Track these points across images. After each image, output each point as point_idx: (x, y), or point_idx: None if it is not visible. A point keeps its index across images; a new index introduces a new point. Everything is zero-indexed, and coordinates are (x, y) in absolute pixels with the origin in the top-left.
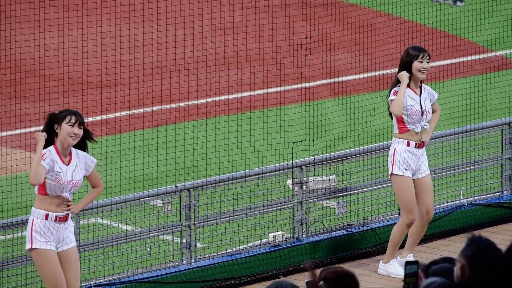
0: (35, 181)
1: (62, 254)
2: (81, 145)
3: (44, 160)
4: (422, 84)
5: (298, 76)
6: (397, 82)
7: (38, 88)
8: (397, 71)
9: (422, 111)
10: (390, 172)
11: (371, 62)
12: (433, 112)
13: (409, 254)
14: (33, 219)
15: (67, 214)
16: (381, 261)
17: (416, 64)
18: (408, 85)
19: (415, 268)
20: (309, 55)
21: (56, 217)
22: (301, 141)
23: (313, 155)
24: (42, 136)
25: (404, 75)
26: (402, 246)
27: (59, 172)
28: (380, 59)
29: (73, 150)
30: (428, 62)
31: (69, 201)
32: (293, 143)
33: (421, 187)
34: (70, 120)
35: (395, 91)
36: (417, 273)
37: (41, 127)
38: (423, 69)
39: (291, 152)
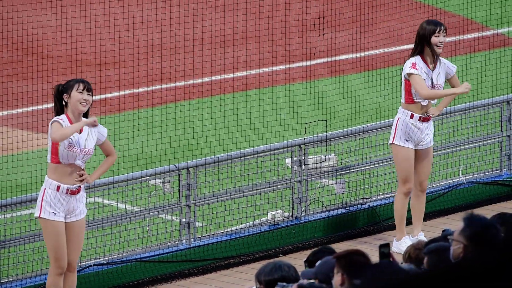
0: (59, 139)
1: (69, 225)
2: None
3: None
4: (440, 58)
5: (296, 55)
6: (414, 51)
7: (37, 67)
8: (414, 45)
9: (432, 86)
10: (391, 141)
11: (371, 41)
12: (453, 87)
13: (419, 233)
14: (44, 189)
15: (79, 186)
16: (394, 239)
17: (433, 39)
18: (423, 59)
19: (388, 250)
20: (322, 35)
21: (67, 189)
22: (314, 121)
23: (316, 134)
24: (92, 122)
25: (466, 89)
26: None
27: (72, 140)
28: (380, 37)
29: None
30: (444, 36)
31: (82, 170)
32: (306, 123)
33: (420, 158)
34: (78, 87)
35: (413, 63)
36: (390, 254)
37: (40, 107)
38: (439, 43)
39: (297, 132)
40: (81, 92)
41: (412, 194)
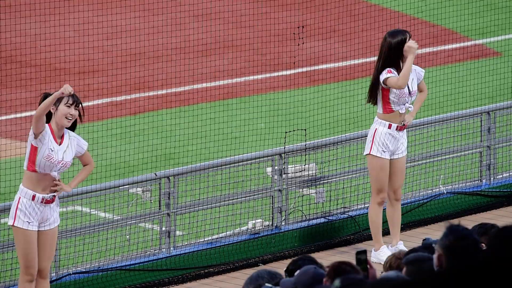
0: (38, 112)
1: (42, 234)
2: (71, 125)
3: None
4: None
5: (276, 64)
6: (384, 62)
7: (18, 75)
8: (379, 57)
9: (409, 93)
10: (368, 152)
11: (350, 50)
12: (420, 91)
13: (398, 242)
14: (19, 197)
15: (54, 196)
16: (372, 249)
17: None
18: (397, 68)
19: (364, 257)
20: (301, 44)
21: (42, 198)
22: (294, 130)
23: (296, 143)
24: (69, 88)
25: (414, 47)
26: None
27: (51, 151)
28: (359, 46)
29: (66, 132)
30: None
31: (57, 180)
32: (286, 132)
33: (395, 168)
34: (67, 101)
35: (388, 70)
36: (367, 260)
37: (20, 115)
38: None
39: (277, 141)
40: (68, 106)
41: (387, 204)
